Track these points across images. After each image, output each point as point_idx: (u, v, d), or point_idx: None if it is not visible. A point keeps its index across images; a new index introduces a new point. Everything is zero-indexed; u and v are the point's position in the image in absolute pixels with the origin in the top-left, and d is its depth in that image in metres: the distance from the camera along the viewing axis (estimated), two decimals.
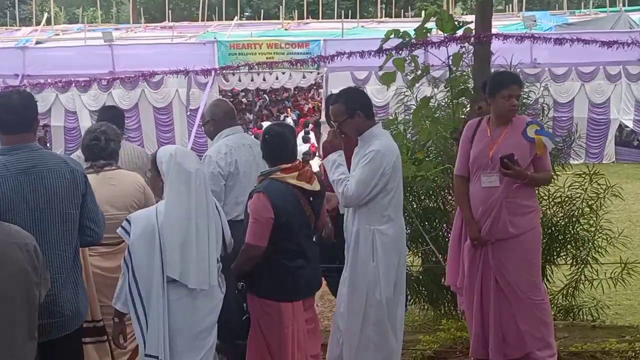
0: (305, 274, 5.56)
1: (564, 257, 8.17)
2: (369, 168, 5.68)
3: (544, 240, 7.33)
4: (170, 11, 38.15)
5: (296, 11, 42.63)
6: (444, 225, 8.31)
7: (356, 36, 25.86)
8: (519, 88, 6.09)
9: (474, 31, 7.20)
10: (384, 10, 41.01)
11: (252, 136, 17.84)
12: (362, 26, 30.61)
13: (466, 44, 7.38)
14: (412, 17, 41.56)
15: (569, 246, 8.11)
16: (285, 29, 30.42)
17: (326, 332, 6.63)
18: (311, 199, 5.58)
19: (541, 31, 23.95)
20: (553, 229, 7.89)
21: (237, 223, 5.69)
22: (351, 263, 5.93)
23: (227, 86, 26.13)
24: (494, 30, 7.28)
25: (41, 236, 4.50)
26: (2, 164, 4.51)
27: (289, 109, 31.82)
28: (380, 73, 7.41)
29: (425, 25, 7.43)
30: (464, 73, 7.75)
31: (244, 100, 34.04)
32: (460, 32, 7.30)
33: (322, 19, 36.80)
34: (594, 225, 8.11)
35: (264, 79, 25.24)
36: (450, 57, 7.19)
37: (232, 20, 33.90)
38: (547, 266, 7.92)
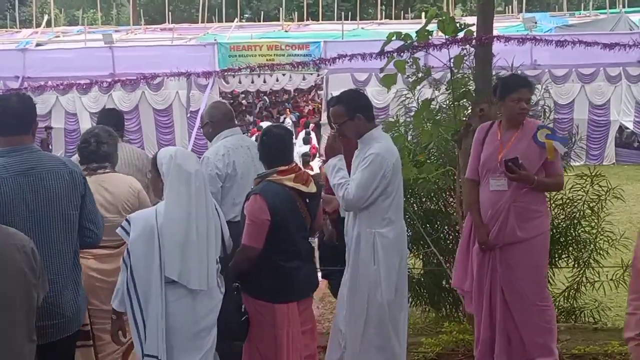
0: (301, 275, 5.59)
1: (565, 259, 8.17)
2: (369, 171, 5.67)
3: None
4: (170, 13, 38.20)
5: (296, 13, 42.66)
6: (445, 227, 8.32)
7: (356, 38, 25.85)
8: (529, 92, 6.05)
9: (475, 33, 7.18)
10: (384, 12, 41.03)
11: (253, 137, 17.91)
12: (362, 28, 30.63)
13: (467, 46, 7.37)
14: (412, 18, 41.56)
15: (570, 248, 8.11)
16: (285, 31, 30.43)
17: (327, 335, 6.63)
18: (307, 200, 5.63)
19: (541, 33, 23.97)
20: (554, 231, 7.87)
21: (234, 224, 5.69)
22: (352, 266, 5.93)
23: (227, 88, 26.14)
24: (494, 32, 7.26)
25: (41, 237, 4.54)
26: (2, 166, 4.53)
27: (287, 110, 31.80)
28: (382, 75, 7.39)
29: (427, 28, 7.42)
30: (465, 75, 7.75)
31: (244, 102, 34.04)
32: (461, 35, 7.29)
33: (322, 20, 36.81)
34: (595, 227, 8.12)
35: (264, 81, 25.25)
36: (452, 60, 7.17)
37: (232, 22, 33.92)
38: (549, 268, 7.91)
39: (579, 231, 8.11)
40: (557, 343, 6.16)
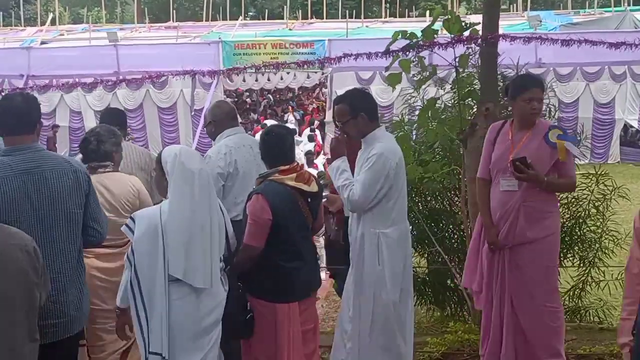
0: (302, 275, 5.58)
1: (570, 258, 8.16)
2: (373, 172, 5.66)
3: None
4: (174, 11, 38.13)
5: (300, 11, 42.62)
6: (450, 226, 8.31)
7: (361, 36, 25.82)
8: (541, 91, 5.97)
9: (480, 32, 7.17)
10: (388, 10, 40.98)
11: (257, 136, 17.87)
12: (367, 26, 30.59)
13: (472, 45, 7.36)
14: (416, 16, 41.55)
15: (575, 248, 8.11)
16: (290, 29, 30.40)
17: (332, 334, 6.62)
18: (309, 200, 5.63)
19: (546, 31, 23.94)
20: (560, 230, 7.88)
21: (235, 223, 5.68)
22: (356, 266, 5.92)
23: (232, 86, 26.16)
24: (499, 31, 7.24)
25: (45, 236, 4.57)
26: (7, 164, 4.55)
27: (290, 107, 31.77)
28: (386, 74, 7.38)
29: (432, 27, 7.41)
30: (471, 73, 7.74)
31: (248, 100, 34.07)
32: (466, 33, 7.27)
33: (326, 18, 36.81)
34: (601, 226, 8.10)
35: (269, 79, 25.27)
36: (457, 59, 7.16)
37: (237, 20, 33.91)
38: None
39: (584, 230, 8.10)
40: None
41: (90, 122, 22.95)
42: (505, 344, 5.95)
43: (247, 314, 5.35)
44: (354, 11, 38.76)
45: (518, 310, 5.92)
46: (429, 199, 8.38)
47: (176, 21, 35.37)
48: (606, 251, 8.09)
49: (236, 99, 32.51)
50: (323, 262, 10.42)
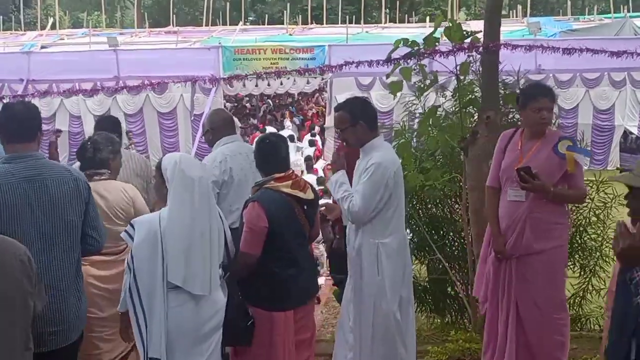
0: (299, 282, 5.62)
1: (571, 266, 8.14)
2: (372, 182, 5.69)
3: None
4: (174, 16, 38.14)
5: (300, 16, 42.63)
6: (451, 233, 8.30)
7: (361, 41, 25.80)
8: (550, 101, 5.94)
9: (481, 40, 7.18)
10: (388, 16, 41.03)
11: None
12: (367, 31, 30.59)
13: (474, 53, 7.37)
14: (416, 22, 41.56)
15: (576, 256, 8.08)
16: (290, 34, 30.40)
17: (331, 342, 6.62)
18: (305, 207, 5.67)
19: (546, 37, 23.94)
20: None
21: (232, 231, 5.71)
22: (354, 276, 5.94)
23: (232, 91, 26.13)
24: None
25: (45, 243, 4.61)
26: (9, 172, 4.59)
27: (288, 112, 31.73)
28: (388, 81, 7.39)
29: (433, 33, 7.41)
30: (472, 81, 7.73)
31: (247, 105, 34.08)
32: (467, 41, 7.28)
33: (326, 24, 36.81)
34: (601, 234, 8.08)
35: (268, 84, 25.22)
36: (458, 67, 7.16)
37: (237, 25, 33.90)
38: None
39: (585, 238, 8.08)
40: None
41: (90, 126, 22.68)
42: (509, 354, 5.94)
43: (248, 320, 5.37)
44: (354, 16, 38.76)
45: (524, 320, 5.91)
46: (429, 206, 8.37)
47: (176, 26, 35.38)
48: (607, 259, 8.05)
49: (236, 104, 32.54)
50: (324, 269, 10.43)
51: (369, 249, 5.78)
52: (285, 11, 38.16)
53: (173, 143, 24.46)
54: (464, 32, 7.18)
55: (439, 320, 8.44)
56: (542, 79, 20.82)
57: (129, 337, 5.13)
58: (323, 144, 24.31)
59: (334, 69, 8.70)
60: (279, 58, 24.18)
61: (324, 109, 28.57)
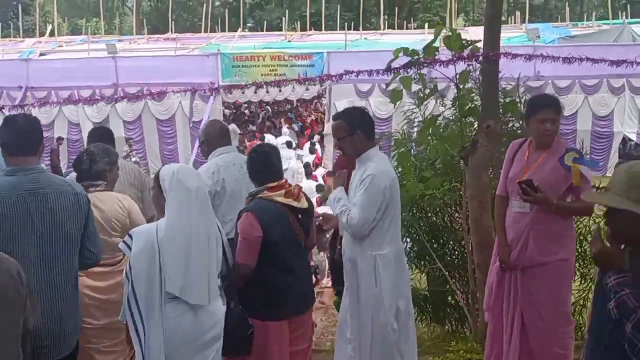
0: (294, 290, 5.65)
1: None
2: (368, 193, 5.71)
3: None
4: (173, 22, 38.14)
5: (299, 22, 42.66)
6: (451, 242, 8.29)
7: (359, 48, 25.81)
8: (554, 112, 5.91)
9: (481, 48, 7.18)
10: (386, 22, 41.03)
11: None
12: (365, 38, 30.56)
13: (473, 62, 7.37)
14: (414, 28, 41.57)
15: (577, 264, 8.06)
16: (289, 41, 30.40)
17: (331, 352, 6.60)
18: (300, 216, 5.71)
19: (544, 43, 23.94)
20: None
21: None
22: (350, 288, 5.95)
23: (230, 98, 26.10)
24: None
25: (45, 256, 4.64)
26: (11, 185, 4.62)
27: (285, 119, 31.69)
28: (388, 88, 7.39)
29: (431, 41, 7.41)
30: (471, 89, 7.73)
31: (246, 112, 34.08)
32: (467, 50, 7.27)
33: (324, 30, 36.83)
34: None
35: (267, 91, 25.18)
36: (457, 75, 7.16)
37: (235, 31, 33.91)
38: None
39: (585, 247, 8.06)
40: None
41: None
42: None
43: (248, 329, 5.37)
44: (353, 23, 38.79)
45: (528, 330, 5.90)
46: (429, 215, 8.35)
47: (175, 32, 35.38)
48: None
49: (235, 111, 32.54)
50: (326, 278, 10.42)
51: (366, 261, 5.78)
52: (283, 17, 38.23)
53: (172, 150, 24.43)
54: (464, 41, 7.18)
55: (439, 330, 8.42)
56: (541, 85, 20.91)
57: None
58: (322, 151, 24.29)
59: (333, 78, 8.72)
60: (277, 65, 24.16)
61: (322, 116, 28.56)
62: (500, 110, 7.39)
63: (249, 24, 53.32)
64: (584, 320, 8.17)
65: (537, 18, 48.85)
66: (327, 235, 9.37)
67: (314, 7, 40.59)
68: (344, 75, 8.13)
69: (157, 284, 4.71)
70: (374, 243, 5.78)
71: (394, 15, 44.06)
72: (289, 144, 24.36)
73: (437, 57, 7.27)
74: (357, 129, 5.86)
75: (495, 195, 6.40)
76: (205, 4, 40.54)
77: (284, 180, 5.76)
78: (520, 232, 5.83)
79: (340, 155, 6.24)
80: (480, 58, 7.13)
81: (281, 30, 36.97)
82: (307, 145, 25.07)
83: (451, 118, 8.14)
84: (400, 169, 7.96)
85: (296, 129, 30.49)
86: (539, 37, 24.50)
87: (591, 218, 7.99)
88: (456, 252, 8.29)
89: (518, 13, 36.66)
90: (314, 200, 17.10)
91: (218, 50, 25.54)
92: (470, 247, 7.40)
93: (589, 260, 8.05)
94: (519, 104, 7.85)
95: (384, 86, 9.27)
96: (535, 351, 5.90)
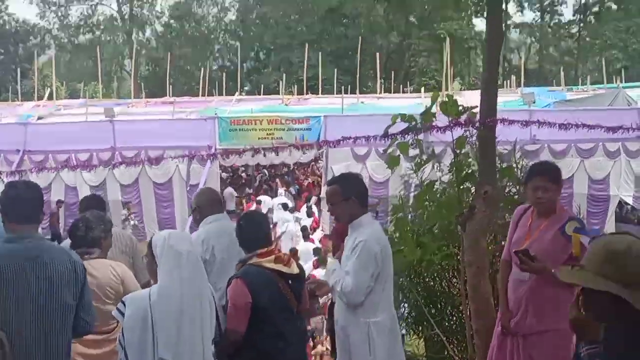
0: (286, 356, 5.60)
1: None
2: (360, 260, 5.70)
3: None
4: (170, 86, 38.45)
5: (296, 86, 42.99)
6: (449, 308, 8.25)
7: (356, 112, 25.96)
8: (546, 180, 5.86)
9: (478, 114, 7.22)
10: (383, 86, 41.35)
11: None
12: (362, 102, 30.79)
13: (470, 127, 7.40)
14: (411, 92, 41.92)
15: None
16: (286, 104, 30.60)
17: None
18: (290, 281, 5.68)
19: (540, 107, 24.12)
20: None
21: None
22: (343, 358, 5.90)
23: (228, 162, 26.19)
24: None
25: (40, 323, 4.65)
26: (10, 252, 4.66)
27: (280, 181, 31.73)
28: (387, 151, 7.42)
29: (429, 106, 7.45)
30: (469, 154, 7.75)
31: (243, 175, 34.18)
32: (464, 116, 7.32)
33: (321, 94, 37.10)
34: None
35: (264, 155, 25.29)
36: (454, 141, 7.19)
37: (233, 95, 34.16)
38: None
39: None
40: None
41: None
42: None
43: None
44: (349, 86, 39.12)
45: None
46: (427, 280, 8.33)
47: (172, 96, 35.62)
48: None
49: (232, 174, 32.64)
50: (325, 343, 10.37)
51: (359, 329, 5.75)
52: (280, 81, 38.52)
53: (169, 214, 24.39)
54: (460, 107, 7.23)
55: None
56: (537, 149, 21.00)
57: None
58: (320, 214, 24.28)
59: (331, 144, 8.76)
60: (275, 128, 24.25)
61: (319, 179, 28.63)
62: (497, 176, 7.39)
63: (246, 88, 53.82)
64: None
65: (532, 82, 49.28)
66: (321, 301, 9.34)
67: (310, 71, 40.91)
68: (339, 137, 8.16)
69: (150, 350, 4.69)
70: (367, 310, 5.74)
71: (390, 79, 44.43)
72: (284, 206, 24.36)
73: (434, 123, 7.30)
74: (351, 195, 5.88)
75: (493, 261, 6.38)
76: (202, 68, 40.87)
77: (273, 246, 5.78)
78: (519, 299, 5.81)
79: (337, 230, 6.25)
80: (477, 124, 7.16)
81: (278, 93, 37.27)
82: (304, 208, 25.08)
83: (448, 180, 8.15)
84: (397, 234, 7.95)
85: (293, 192, 30.55)
86: (534, 102, 24.70)
87: None
88: (454, 318, 8.25)
89: (513, 77, 36.98)
90: (310, 263, 17.13)
91: (215, 113, 25.69)
92: (468, 313, 7.35)
93: None
94: (515, 169, 7.87)
95: (381, 150, 9.41)
96: None
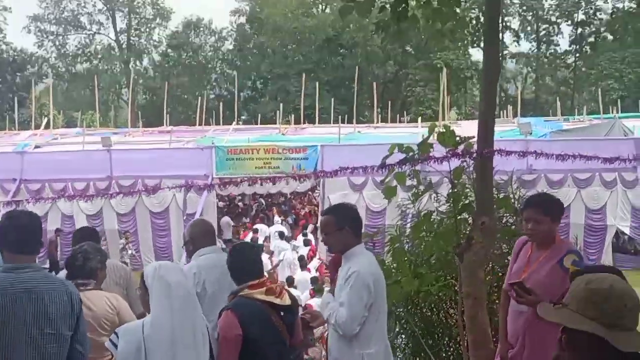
0: None
1: None
2: (353, 290, 5.68)
3: None
4: (168, 115, 38.53)
5: (293, 115, 43.11)
6: (446, 338, 8.22)
7: (353, 141, 26.03)
8: (537, 212, 5.83)
9: (475, 144, 7.22)
10: (379, 115, 41.51)
11: (247, 238, 17.54)
12: (359, 131, 30.89)
13: (467, 158, 7.40)
14: (407, 121, 42.03)
15: None
16: (283, 134, 30.69)
17: None
18: (282, 313, 5.62)
19: (536, 137, 24.20)
20: None
21: None
22: None
23: (224, 191, 26.19)
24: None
25: (36, 354, 4.63)
26: (8, 282, 4.65)
27: (276, 209, 31.72)
28: (386, 182, 7.42)
29: (425, 135, 7.47)
30: (466, 185, 7.75)
31: (240, 204, 34.16)
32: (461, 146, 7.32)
33: (318, 123, 37.19)
34: None
35: (261, 184, 25.31)
36: (452, 172, 7.20)
37: (230, 124, 34.24)
38: None
39: None
40: None
41: (82, 226, 22.80)
42: None
43: None
44: (346, 116, 39.26)
45: None
46: (424, 310, 8.30)
47: (169, 125, 35.71)
48: None
49: (229, 203, 32.62)
50: None
51: None
52: (277, 111, 38.61)
53: (165, 243, 24.39)
54: (457, 138, 7.23)
55: None
56: (534, 178, 21.02)
57: None
58: (316, 243, 24.28)
59: (328, 174, 8.76)
60: (271, 158, 24.32)
61: (316, 208, 28.65)
62: (495, 206, 7.39)
63: (243, 117, 53.95)
64: None
65: (529, 112, 49.48)
66: (316, 332, 9.29)
67: (307, 100, 41.07)
68: (336, 167, 8.16)
69: None
70: (362, 342, 5.72)
71: (387, 109, 44.60)
72: (281, 235, 24.33)
73: (431, 153, 7.31)
74: (345, 225, 5.88)
75: (490, 291, 6.36)
76: (199, 97, 40.98)
77: (265, 277, 5.73)
78: (517, 330, 5.80)
79: (334, 260, 6.22)
80: (475, 155, 7.16)
81: (275, 123, 37.36)
82: (300, 237, 25.07)
83: (444, 212, 8.15)
84: (395, 265, 7.93)
85: (290, 221, 30.54)
86: (530, 132, 24.77)
87: None
88: (451, 349, 8.21)
89: (510, 107, 37.09)
90: (307, 293, 17.09)
91: (212, 143, 25.76)
92: (466, 344, 7.32)
93: None
94: (512, 199, 7.87)
95: (378, 179, 9.39)
96: None
